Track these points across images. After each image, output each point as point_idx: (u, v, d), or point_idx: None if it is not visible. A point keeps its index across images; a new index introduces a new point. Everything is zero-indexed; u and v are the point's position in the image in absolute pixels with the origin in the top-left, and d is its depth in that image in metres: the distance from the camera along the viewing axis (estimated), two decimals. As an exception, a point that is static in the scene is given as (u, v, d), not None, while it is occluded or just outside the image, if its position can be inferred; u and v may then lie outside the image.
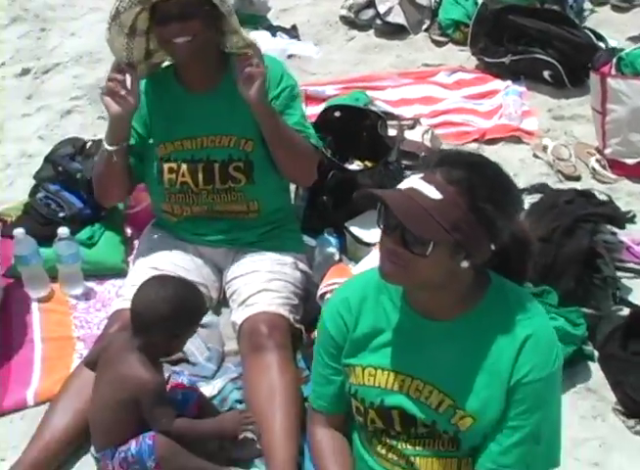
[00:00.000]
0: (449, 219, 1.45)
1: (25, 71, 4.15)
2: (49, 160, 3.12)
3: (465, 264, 1.52)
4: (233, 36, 2.26)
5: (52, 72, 4.17)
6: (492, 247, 1.53)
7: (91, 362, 2.13)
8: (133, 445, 1.98)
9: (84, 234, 2.87)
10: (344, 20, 4.54)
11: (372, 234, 2.67)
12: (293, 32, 4.26)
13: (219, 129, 2.39)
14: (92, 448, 2.10)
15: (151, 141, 2.41)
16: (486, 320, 1.62)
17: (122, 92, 2.23)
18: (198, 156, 2.40)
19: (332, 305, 1.81)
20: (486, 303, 1.62)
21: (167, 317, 1.96)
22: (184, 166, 2.41)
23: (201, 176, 2.41)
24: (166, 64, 2.46)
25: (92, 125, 3.70)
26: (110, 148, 2.29)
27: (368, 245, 2.68)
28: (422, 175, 1.51)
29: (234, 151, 2.40)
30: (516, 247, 1.64)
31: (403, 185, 1.52)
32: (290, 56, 4.01)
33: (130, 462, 1.97)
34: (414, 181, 1.50)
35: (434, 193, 1.47)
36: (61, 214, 2.90)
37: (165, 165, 2.42)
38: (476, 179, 1.49)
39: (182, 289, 2.04)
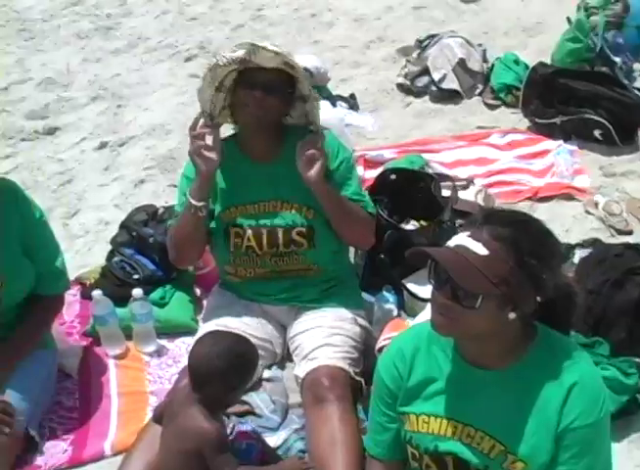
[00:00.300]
0: (496, 274, 1.54)
1: (103, 145, 4.32)
2: (124, 226, 3.25)
3: (512, 316, 1.59)
4: (299, 117, 2.44)
5: (127, 145, 4.33)
6: (538, 299, 1.61)
7: (158, 417, 2.23)
8: None
9: (156, 295, 2.98)
10: (401, 87, 4.64)
11: (428, 290, 2.69)
12: (351, 101, 4.38)
13: (283, 196, 2.49)
14: None
15: (217, 206, 2.52)
16: (534, 369, 1.68)
17: (207, 153, 2.35)
18: (262, 221, 2.50)
19: (387, 356, 1.89)
20: (534, 352, 1.69)
21: (222, 371, 2.04)
22: (249, 231, 2.50)
23: (265, 241, 2.50)
24: (229, 133, 2.58)
25: (163, 193, 3.83)
26: (198, 203, 2.39)
27: (424, 300, 2.72)
28: (469, 233, 1.61)
29: (296, 217, 2.50)
30: (560, 298, 1.70)
31: (452, 242, 1.63)
32: (347, 124, 4.11)
33: None
34: (462, 239, 1.60)
35: (481, 249, 1.56)
36: (135, 277, 3.02)
37: (232, 230, 2.52)
38: (520, 235, 1.58)
39: (235, 343, 2.13)
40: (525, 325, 1.68)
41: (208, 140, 2.36)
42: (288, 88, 2.37)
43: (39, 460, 2.44)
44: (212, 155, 2.36)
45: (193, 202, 2.40)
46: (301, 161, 2.36)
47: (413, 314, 2.80)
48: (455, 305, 1.59)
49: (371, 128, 4.18)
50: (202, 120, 2.40)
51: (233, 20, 5.67)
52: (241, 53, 2.26)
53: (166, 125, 4.47)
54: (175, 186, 3.63)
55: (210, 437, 2.03)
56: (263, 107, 2.33)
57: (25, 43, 5.51)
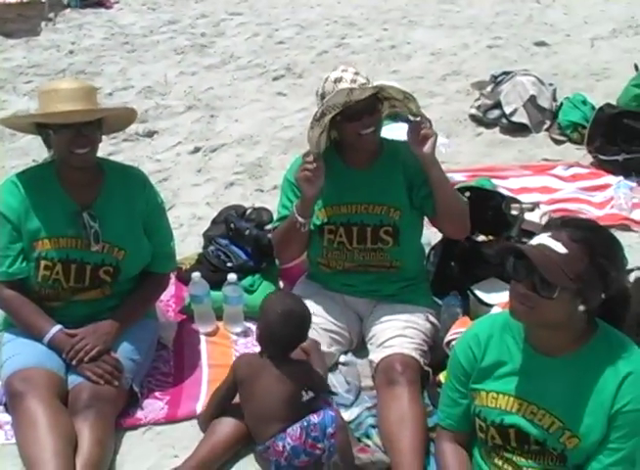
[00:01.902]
0: (573, 270, 1.78)
1: (197, 149, 4.65)
2: (218, 221, 3.52)
3: (582, 308, 1.83)
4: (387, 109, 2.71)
5: (218, 151, 4.64)
6: (603, 296, 1.85)
7: (236, 382, 2.52)
8: (315, 417, 2.36)
9: (246, 282, 3.19)
10: (473, 118, 4.94)
11: (492, 297, 2.98)
12: (427, 125, 4.70)
13: (373, 199, 2.75)
14: (257, 447, 2.42)
15: (315, 205, 2.76)
16: (593, 358, 1.91)
17: (315, 179, 2.59)
18: (353, 220, 2.77)
19: (464, 340, 2.14)
20: (594, 343, 1.92)
21: (280, 328, 2.45)
22: (342, 229, 2.78)
23: (355, 237, 2.78)
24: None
25: (251, 196, 4.11)
26: (302, 220, 2.68)
27: (488, 305, 2.95)
28: (549, 234, 1.85)
29: (384, 217, 2.76)
30: (618, 298, 1.94)
31: (534, 241, 1.87)
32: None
33: (311, 430, 2.34)
34: (543, 238, 1.85)
35: (560, 248, 1.81)
36: (228, 264, 3.25)
37: (326, 227, 2.79)
38: (595, 239, 1.84)
39: (293, 304, 2.50)
40: (589, 319, 1.92)
41: (315, 170, 2.60)
42: (378, 105, 2.63)
43: (139, 414, 2.68)
44: (317, 182, 2.62)
45: (298, 218, 2.69)
46: (414, 140, 2.59)
47: (476, 317, 2.90)
48: (534, 295, 1.83)
49: (444, 150, 4.35)
50: (311, 155, 2.62)
51: (318, 46, 6.03)
52: (341, 99, 2.49)
53: (255, 137, 4.78)
54: (262, 191, 3.98)
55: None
56: (373, 126, 2.62)
57: (128, 54, 5.93)
